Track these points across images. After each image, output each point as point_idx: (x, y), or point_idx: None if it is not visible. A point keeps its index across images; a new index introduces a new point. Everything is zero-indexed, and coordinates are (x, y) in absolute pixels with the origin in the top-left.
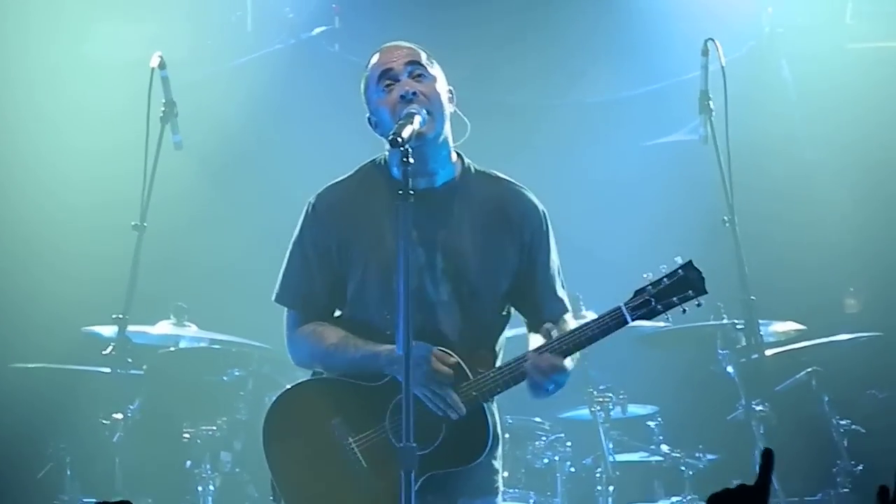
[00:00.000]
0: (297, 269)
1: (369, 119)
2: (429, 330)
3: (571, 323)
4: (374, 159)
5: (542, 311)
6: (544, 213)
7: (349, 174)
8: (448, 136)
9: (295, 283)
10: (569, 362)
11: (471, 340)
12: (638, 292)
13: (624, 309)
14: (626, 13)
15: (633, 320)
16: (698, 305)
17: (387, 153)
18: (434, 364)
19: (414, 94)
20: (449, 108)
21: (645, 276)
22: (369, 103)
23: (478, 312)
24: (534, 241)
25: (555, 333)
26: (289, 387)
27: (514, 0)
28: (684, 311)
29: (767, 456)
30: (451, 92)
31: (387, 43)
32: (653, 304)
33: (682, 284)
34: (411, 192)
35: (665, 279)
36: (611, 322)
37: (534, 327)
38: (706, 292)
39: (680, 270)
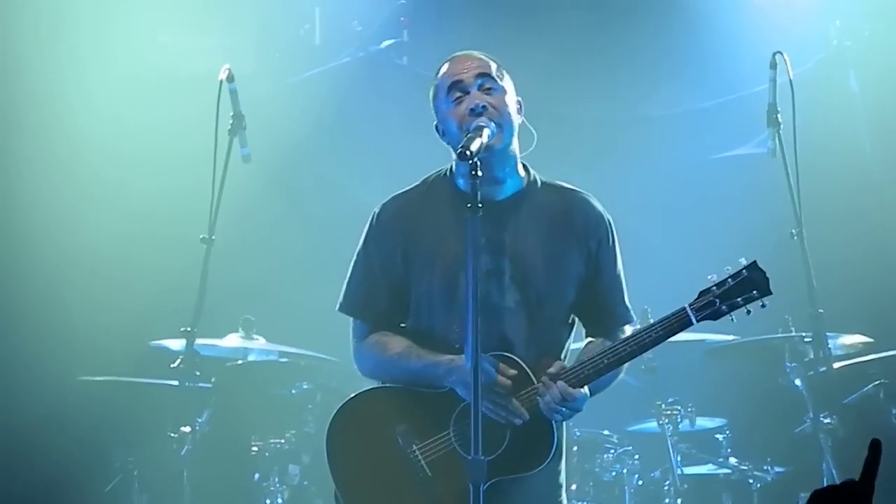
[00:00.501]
0: (360, 278)
1: (436, 127)
2: (494, 336)
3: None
4: (439, 170)
5: (609, 319)
6: (610, 222)
7: (414, 185)
8: (516, 147)
9: (359, 292)
10: (585, 390)
11: (536, 347)
12: (702, 293)
13: (689, 309)
14: (694, 26)
15: (697, 321)
16: (763, 306)
17: (453, 164)
18: (496, 375)
19: (483, 107)
20: (517, 120)
21: (709, 277)
22: (438, 112)
23: (544, 320)
24: (600, 250)
25: (583, 356)
26: (351, 396)
27: (582, 12)
28: (748, 311)
29: (875, 448)
30: (519, 103)
31: (457, 52)
32: (717, 304)
33: (747, 284)
34: (480, 204)
35: (729, 280)
36: (675, 323)
37: (592, 337)
38: (771, 292)
39: (744, 271)
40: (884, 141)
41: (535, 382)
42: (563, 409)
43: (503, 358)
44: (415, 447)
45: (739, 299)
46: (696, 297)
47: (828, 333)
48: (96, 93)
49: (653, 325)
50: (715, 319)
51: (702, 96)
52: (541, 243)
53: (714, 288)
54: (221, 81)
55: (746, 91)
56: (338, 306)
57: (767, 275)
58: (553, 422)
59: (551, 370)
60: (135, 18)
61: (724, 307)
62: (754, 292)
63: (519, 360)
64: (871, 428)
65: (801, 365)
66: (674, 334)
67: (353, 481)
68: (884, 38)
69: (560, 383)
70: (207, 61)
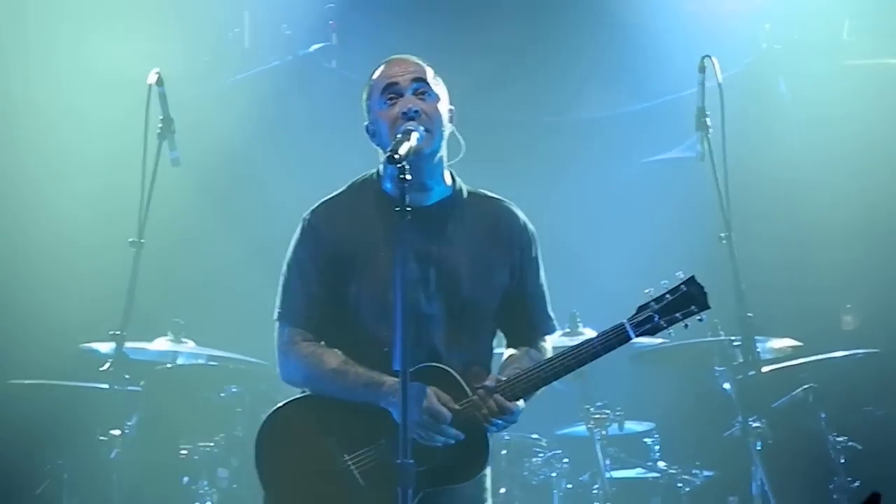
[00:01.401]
0: (295, 285)
1: (367, 127)
2: (422, 344)
3: (548, 347)
4: (365, 174)
5: (532, 328)
6: (533, 233)
7: (341, 190)
8: (444, 154)
9: (293, 299)
10: (521, 403)
11: (464, 355)
12: (641, 308)
13: (627, 325)
14: (623, 30)
15: (636, 336)
16: (700, 320)
17: (380, 168)
18: (430, 403)
19: (416, 111)
20: (448, 128)
21: (646, 291)
22: (370, 112)
23: (470, 328)
24: (524, 260)
25: (511, 371)
26: (281, 404)
27: (511, 18)
28: (686, 325)
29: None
30: (451, 111)
31: (394, 55)
32: (656, 319)
33: (685, 300)
34: (408, 208)
35: (668, 295)
36: (614, 339)
37: (514, 346)
38: (709, 307)
39: (682, 286)
40: (812, 145)
41: (469, 393)
42: (500, 421)
43: (436, 369)
44: (346, 457)
45: (678, 314)
46: (634, 312)
47: (757, 337)
48: (26, 96)
49: (591, 340)
50: (653, 335)
51: (631, 100)
52: (466, 252)
53: (652, 303)
54: (150, 85)
55: (676, 95)
56: (276, 315)
57: (705, 289)
58: (487, 433)
59: (488, 383)
60: (65, 23)
61: (662, 322)
62: (693, 307)
63: (452, 371)
64: (799, 431)
65: (730, 369)
66: (612, 349)
67: (284, 490)
68: (813, 42)
69: (497, 397)
70: (137, 65)
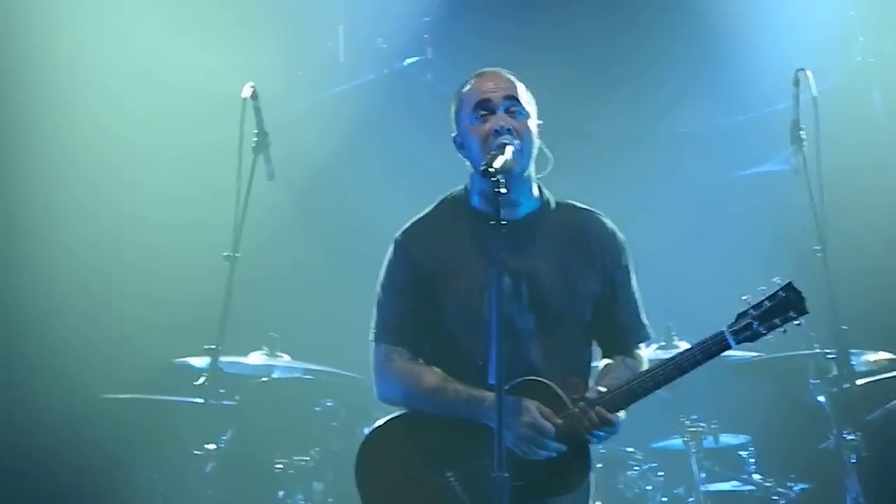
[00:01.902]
0: (389, 305)
1: (454, 138)
2: (518, 358)
3: (644, 356)
4: (453, 191)
5: (626, 337)
6: (623, 241)
7: (430, 208)
8: (532, 171)
9: (389, 318)
10: (622, 414)
11: (560, 367)
12: (740, 316)
13: (727, 333)
14: (717, 43)
15: (737, 344)
16: (798, 325)
17: (466, 184)
18: (533, 418)
19: (508, 130)
20: (537, 144)
21: (744, 298)
22: (459, 125)
23: (565, 339)
24: (615, 269)
25: (610, 381)
26: (382, 420)
27: (607, 30)
28: (785, 331)
29: None
30: (539, 126)
31: (486, 69)
32: (755, 326)
33: (784, 306)
34: (503, 221)
35: (766, 301)
36: (714, 346)
37: (609, 356)
38: (807, 312)
39: (781, 292)
40: None
41: (569, 405)
42: (602, 433)
43: (534, 382)
44: (448, 473)
45: (777, 320)
46: (733, 319)
47: (851, 350)
48: (121, 109)
49: (691, 348)
50: (753, 341)
51: (726, 113)
52: (556, 264)
53: (751, 310)
54: (245, 99)
55: (770, 108)
56: (372, 336)
57: (803, 294)
58: (588, 445)
59: (588, 395)
60: (162, 36)
61: (762, 329)
62: (791, 313)
63: (551, 384)
64: (894, 444)
65: (825, 381)
66: (712, 357)
67: None
68: None
69: (598, 409)
70: (233, 79)
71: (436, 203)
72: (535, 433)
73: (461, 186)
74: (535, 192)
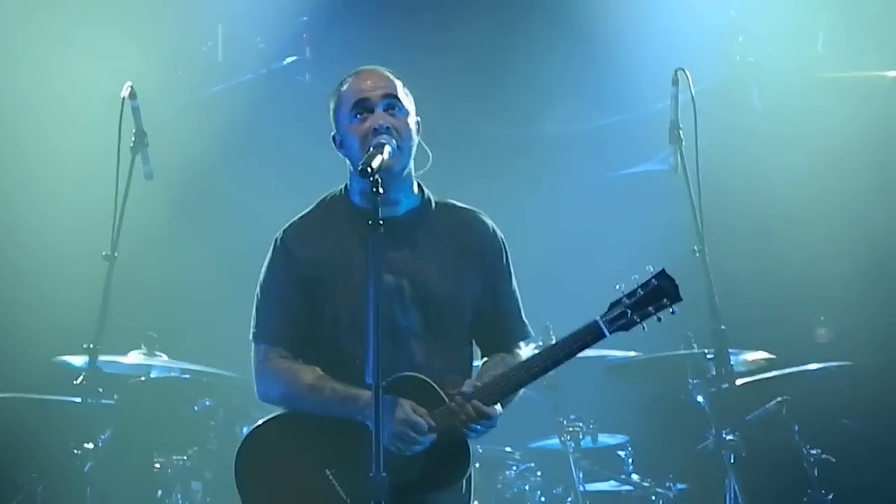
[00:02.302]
0: (269, 305)
1: (334, 137)
2: (400, 357)
3: (524, 354)
4: (333, 190)
5: (507, 335)
6: (503, 240)
7: (311, 208)
8: (412, 169)
9: (269, 319)
10: (499, 407)
11: (442, 365)
12: (613, 304)
13: (600, 322)
14: (596, 43)
15: (610, 332)
16: (672, 313)
17: (346, 183)
18: (405, 415)
19: (387, 128)
20: (416, 141)
21: (618, 287)
22: (338, 124)
23: (447, 338)
24: (496, 268)
25: (487, 378)
26: (261, 421)
27: (484, 30)
28: (659, 319)
29: None
30: (419, 123)
31: (363, 67)
32: (629, 314)
33: (657, 293)
34: (381, 220)
35: (639, 289)
36: (588, 336)
37: (489, 355)
38: (681, 298)
39: (653, 279)
40: (786, 157)
41: (446, 400)
42: (479, 426)
43: (412, 378)
44: (328, 472)
45: (651, 308)
46: (606, 308)
47: (730, 350)
48: (3, 113)
49: (565, 339)
50: (627, 330)
51: (605, 113)
52: (437, 262)
53: (624, 298)
54: (124, 99)
55: (649, 108)
56: (251, 335)
57: (676, 281)
58: (468, 440)
59: (465, 389)
60: (37, 38)
61: (635, 317)
62: (665, 300)
63: (428, 380)
64: (773, 444)
65: (704, 381)
66: (587, 347)
67: None
68: (786, 54)
69: (475, 402)
70: (111, 79)
71: (316, 202)
72: (408, 429)
73: (341, 186)
74: (416, 190)
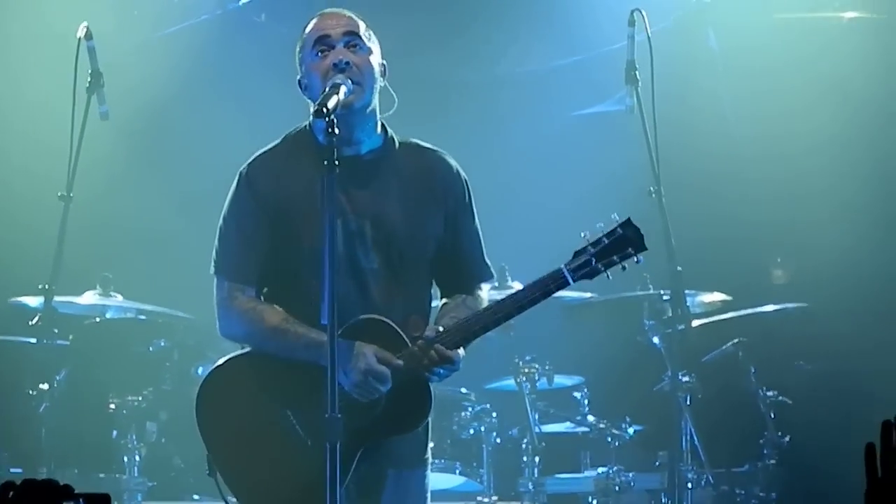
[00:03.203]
0: (233, 238)
1: (300, 81)
2: (361, 297)
3: (484, 296)
4: (298, 126)
5: (468, 276)
6: (466, 181)
7: (276, 142)
8: (376, 107)
9: (232, 253)
10: (461, 351)
11: (403, 306)
12: (578, 253)
13: (565, 270)
14: None
15: (574, 281)
16: (637, 262)
17: (310, 121)
18: (368, 364)
19: (347, 63)
20: (380, 82)
21: (583, 234)
22: (302, 65)
23: (408, 280)
24: (458, 208)
25: (449, 320)
26: (221, 361)
27: None
28: (624, 268)
29: (869, 453)
30: (383, 66)
31: (326, 9)
32: (594, 263)
33: (622, 242)
34: (336, 161)
35: (604, 238)
36: (552, 284)
37: (449, 296)
38: (646, 248)
39: (619, 228)
40: (742, 98)
41: (409, 343)
42: (442, 370)
43: (374, 321)
44: (289, 413)
45: (615, 257)
46: (571, 256)
47: (686, 291)
48: None
49: (529, 285)
50: (591, 278)
51: (562, 54)
52: (400, 203)
53: (589, 247)
54: (79, 39)
55: (606, 48)
56: (212, 269)
57: (641, 231)
58: (430, 384)
59: (428, 333)
60: None
61: (600, 265)
62: (629, 249)
63: (390, 322)
64: (729, 386)
65: (660, 323)
66: (550, 294)
67: (227, 447)
68: None
69: (437, 346)
70: (66, 19)
71: (281, 138)
72: (371, 379)
73: (307, 122)
74: (379, 129)
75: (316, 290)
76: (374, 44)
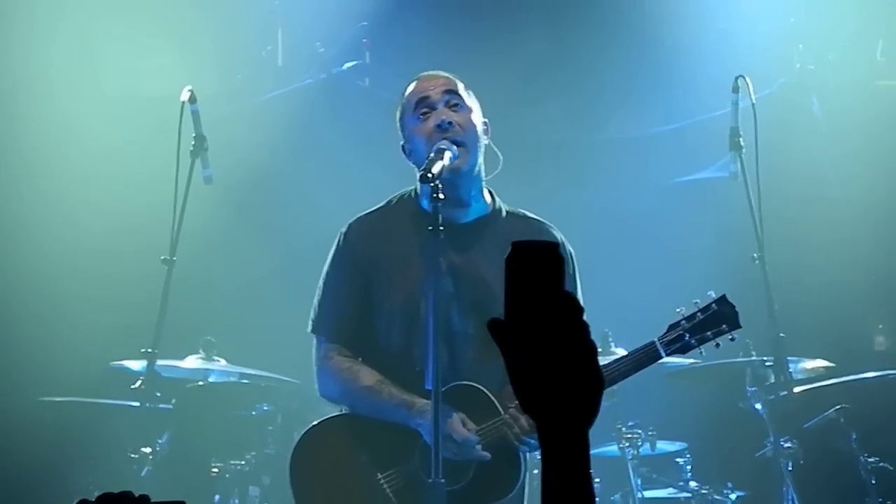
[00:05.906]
0: (331, 298)
1: (403, 147)
2: (455, 362)
3: None
4: (404, 191)
5: None
6: (571, 254)
7: (380, 205)
8: (482, 168)
9: (329, 312)
10: None
11: (498, 374)
12: (672, 327)
13: (658, 344)
14: (656, 50)
15: (667, 355)
16: (731, 340)
17: (417, 186)
18: (452, 429)
19: (450, 123)
20: (484, 140)
21: (678, 310)
22: (404, 130)
23: None
24: None
25: None
26: (315, 423)
27: (546, 36)
28: (718, 345)
29: None
30: (486, 124)
31: (423, 72)
32: (687, 338)
33: (717, 319)
34: (441, 227)
35: (699, 314)
36: (644, 357)
37: None
38: (740, 326)
39: (714, 305)
40: (845, 165)
41: (501, 412)
42: (532, 440)
43: (468, 387)
44: (379, 475)
45: (709, 333)
46: (665, 330)
47: (789, 358)
48: (55, 111)
49: (622, 358)
50: (684, 353)
51: (664, 120)
52: (500, 269)
53: (683, 322)
54: (183, 103)
55: (709, 115)
56: (310, 327)
57: (737, 308)
58: (520, 454)
59: None
60: (99, 41)
61: (693, 341)
62: (724, 326)
63: (484, 389)
64: (831, 452)
65: (762, 389)
66: (643, 367)
67: None
68: (846, 62)
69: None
70: (170, 83)
71: (385, 201)
72: (453, 445)
73: (412, 187)
74: (488, 197)
75: (408, 354)
76: (474, 102)
